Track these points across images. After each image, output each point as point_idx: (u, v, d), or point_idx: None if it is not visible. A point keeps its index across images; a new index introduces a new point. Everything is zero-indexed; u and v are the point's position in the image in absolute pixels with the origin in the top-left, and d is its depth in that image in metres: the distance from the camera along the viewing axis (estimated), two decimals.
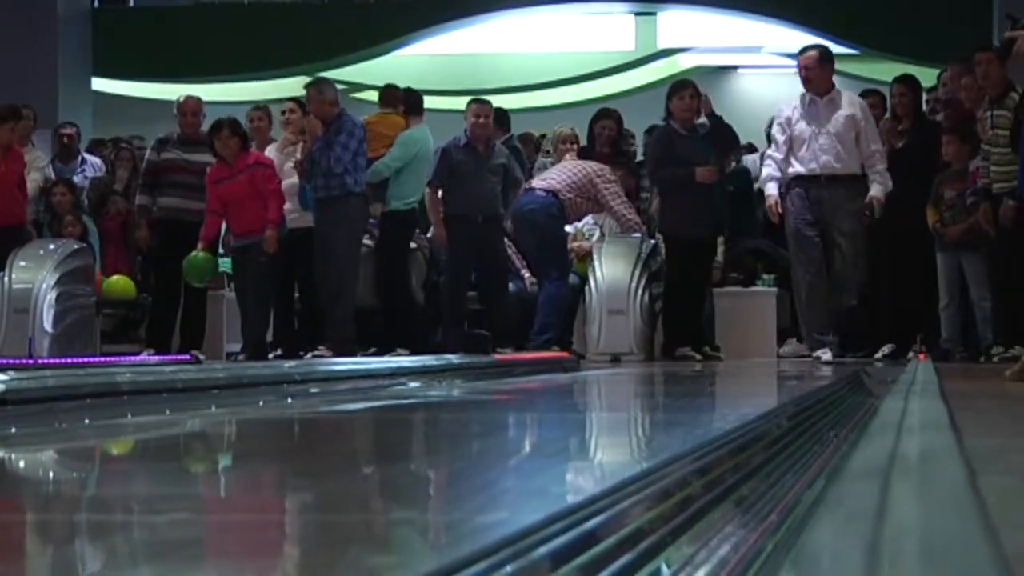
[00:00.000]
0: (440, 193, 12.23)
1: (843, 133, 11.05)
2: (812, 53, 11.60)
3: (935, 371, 8.09)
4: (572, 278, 12.73)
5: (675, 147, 11.92)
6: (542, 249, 12.27)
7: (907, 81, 12.20)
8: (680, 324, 12.08)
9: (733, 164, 12.91)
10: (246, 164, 11.77)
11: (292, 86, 18.80)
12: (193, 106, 12.52)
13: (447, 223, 12.19)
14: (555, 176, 12.25)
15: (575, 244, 12.78)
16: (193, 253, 11.92)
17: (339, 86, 16.03)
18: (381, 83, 14.05)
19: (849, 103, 11.33)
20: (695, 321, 12.22)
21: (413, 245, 12.87)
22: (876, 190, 10.94)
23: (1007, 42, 8.48)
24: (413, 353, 11.71)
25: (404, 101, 12.80)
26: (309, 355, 11.20)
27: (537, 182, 12.31)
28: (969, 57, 11.36)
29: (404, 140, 12.52)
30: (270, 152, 12.38)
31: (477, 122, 12.18)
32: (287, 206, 12.06)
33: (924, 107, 12.63)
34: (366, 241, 12.36)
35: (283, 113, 12.57)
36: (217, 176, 11.85)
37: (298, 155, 12.01)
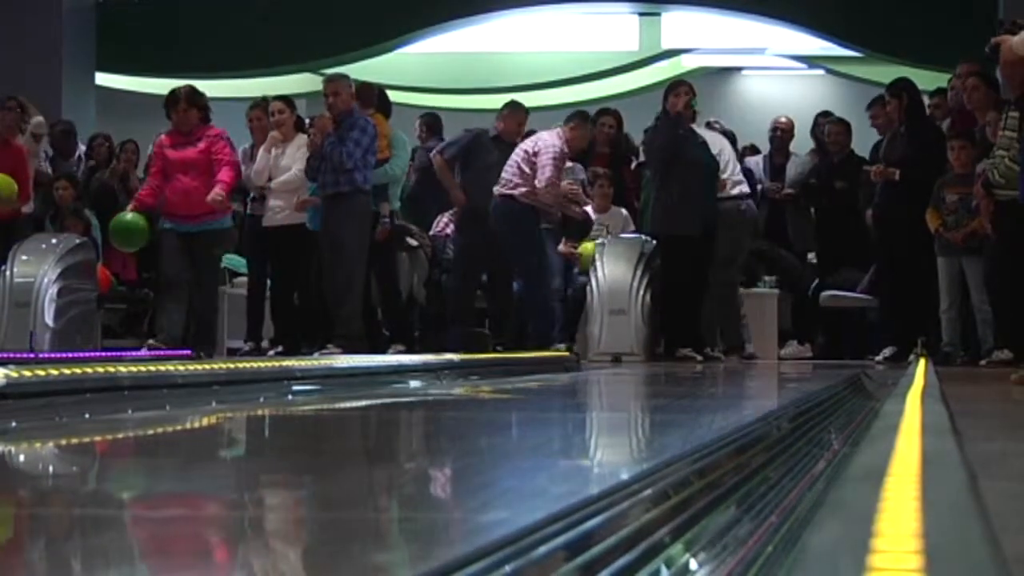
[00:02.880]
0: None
1: None
2: None
3: (936, 374, 8.09)
4: (582, 277, 12.76)
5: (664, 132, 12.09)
6: (510, 254, 12.19)
7: (892, 88, 12.17)
8: (677, 324, 12.09)
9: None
10: (204, 133, 11.39)
11: (295, 83, 18.81)
12: None
13: (461, 219, 12.30)
14: (504, 175, 12.16)
15: (563, 248, 12.70)
16: (121, 214, 11.70)
17: None
18: (385, 81, 14.05)
19: None
20: (694, 321, 12.22)
21: (415, 243, 12.86)
22: None
23: (994, 47, 8.44)
24: (408, 351, 11.72)
25: (378, 100, 12.82)
26: (318, 353, 11.15)
27: (496, 188, 12.22)
28: (974, 59, 11.35)
29: (403, 144, 12.65)
30: (260, 152, 12.35)
31: (520, 130, 12.44)
32: (279, 203, 12.06)
33: (928, 110, 12.62)
34: None
35: (272, 114, 12.49)
36: (170, 142, 11.46)
37: (286, 152, 12.03)
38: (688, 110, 12.22)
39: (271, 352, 11.93)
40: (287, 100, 12.68)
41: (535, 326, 11.99)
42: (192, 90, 11.62)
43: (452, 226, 13.09)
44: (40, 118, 13.34)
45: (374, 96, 12.67)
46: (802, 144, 14.26)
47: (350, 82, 12.16)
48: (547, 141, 11.98)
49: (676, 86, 12.43)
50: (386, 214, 12.21)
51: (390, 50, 19.11)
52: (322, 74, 18.91)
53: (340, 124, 11.67)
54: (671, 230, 11.98)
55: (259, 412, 5.61)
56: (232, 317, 12.94)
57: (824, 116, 13.92)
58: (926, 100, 12.63)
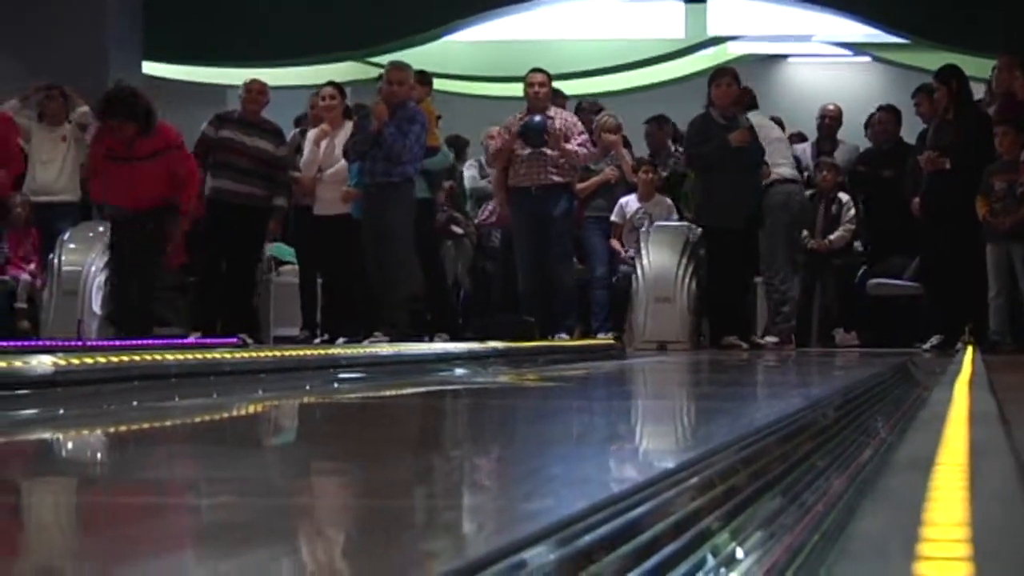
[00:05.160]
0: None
1: None
2: None
3: (983, 363, 8.04)
4: (626, 265, 12.81)
5: (711, 134, 11.92)
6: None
7: (941, 75, 12.09)
8: (723, 313, 12.07)
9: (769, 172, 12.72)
10: (154, 149, 10.48)
11: (341, 71, 18.81)
12: (259, 87, 12.48)
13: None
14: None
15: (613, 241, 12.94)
16: None
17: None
18: (430, 69, 14.07)
19: None
20: (739, 310, 12.19)
21: (460, 231, 12.89)
22: None
23: None
24: (452, 338, 11.71)
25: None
26: (367, 341, 11.10)
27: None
28: (1014, 50, 11.31)
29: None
30: (309, 138, 12.32)
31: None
32: (330, 193, 12.03)
33: (984, 97, 12.58)
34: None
35: (323, 98, 12.44)
36: (111, 152, 10.55)
37: (335, 142, 12.01)
38: (735, 104, 12.14)
39: (316, 340, 11.95)
40: (339, 87, 12.64)
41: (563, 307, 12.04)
42: (131, 94, 10.61)
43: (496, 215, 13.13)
44: (86, 108, 13.40)
45: (431, 83, 12.88)
46: (849, 131, 14.19)
47: (412, 72, 12.07)
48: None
49: (719, 76, 12.33)
50: (443, 201, 12.29)
51: (436, 38, 19.10)
52: (368, 62, 18.96)
53: (395, 113, 11.49)
54: (715, 223, 11.94)
55: (305, 400, 5.63)
56: (281, 306, 12.96)
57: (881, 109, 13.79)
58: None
